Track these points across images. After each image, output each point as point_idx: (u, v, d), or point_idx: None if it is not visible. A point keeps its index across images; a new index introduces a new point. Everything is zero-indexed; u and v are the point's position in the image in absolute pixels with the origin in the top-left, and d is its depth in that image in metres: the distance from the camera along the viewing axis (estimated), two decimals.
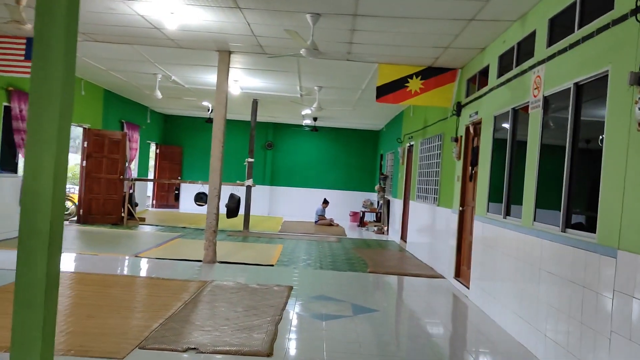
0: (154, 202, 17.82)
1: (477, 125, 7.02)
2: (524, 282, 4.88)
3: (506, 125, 5.81)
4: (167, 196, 17.99)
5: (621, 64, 3.48)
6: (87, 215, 11.95)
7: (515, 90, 5.51)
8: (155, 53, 8.62)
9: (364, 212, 16.12)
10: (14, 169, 9.28)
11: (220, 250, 8.51)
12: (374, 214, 16.15)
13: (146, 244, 9.47)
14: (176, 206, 18.04)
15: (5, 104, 8.78)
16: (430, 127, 9.67)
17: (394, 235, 13.00)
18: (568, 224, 4.16)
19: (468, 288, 6.75)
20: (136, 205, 12.92)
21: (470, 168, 7.11)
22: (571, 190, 4.17)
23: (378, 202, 16.35)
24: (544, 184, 4.77)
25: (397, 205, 12.82)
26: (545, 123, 4.76)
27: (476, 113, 6.96)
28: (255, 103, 12.77)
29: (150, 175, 17.61)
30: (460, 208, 7.44)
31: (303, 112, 14.47)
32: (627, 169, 3.33)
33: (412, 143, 11.46)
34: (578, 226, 4.10)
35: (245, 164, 12.73)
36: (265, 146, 18.25)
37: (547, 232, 4.43)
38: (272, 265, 8.10)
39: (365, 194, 18.12)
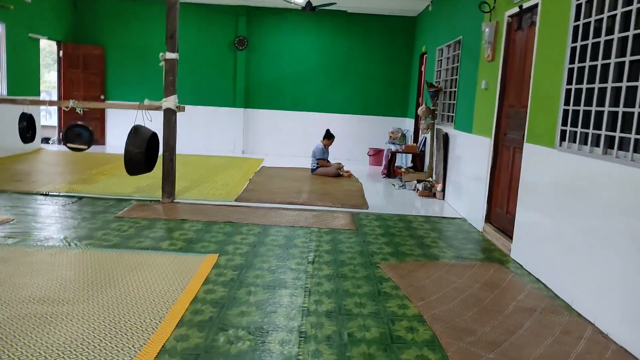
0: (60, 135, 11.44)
1: None
2: None
3: None
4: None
5: None
6: None
7: None
8: None
9: (392, 153, 9.63)
10: None
11: None
12: (411, 155, 9.69)
13: None
14: (101, 142, 11.70)
15: None
16: None
17: (456, 202, 6.66)
18: None
19: None
20: None
21: None
22: None
23: (418, 136, 9.90)
24: None
25: (472, 147, 6.38)
26: None
27: None
28: None
29: (53, 93, 11.13)
30: None
31: None
32: None
33: (528, 4, 4.82)
34: None
35: (160, 64, 6.20)
36: (235, 44, 11.52)
37: None
38: None
39: (393, 121, 11.60)
